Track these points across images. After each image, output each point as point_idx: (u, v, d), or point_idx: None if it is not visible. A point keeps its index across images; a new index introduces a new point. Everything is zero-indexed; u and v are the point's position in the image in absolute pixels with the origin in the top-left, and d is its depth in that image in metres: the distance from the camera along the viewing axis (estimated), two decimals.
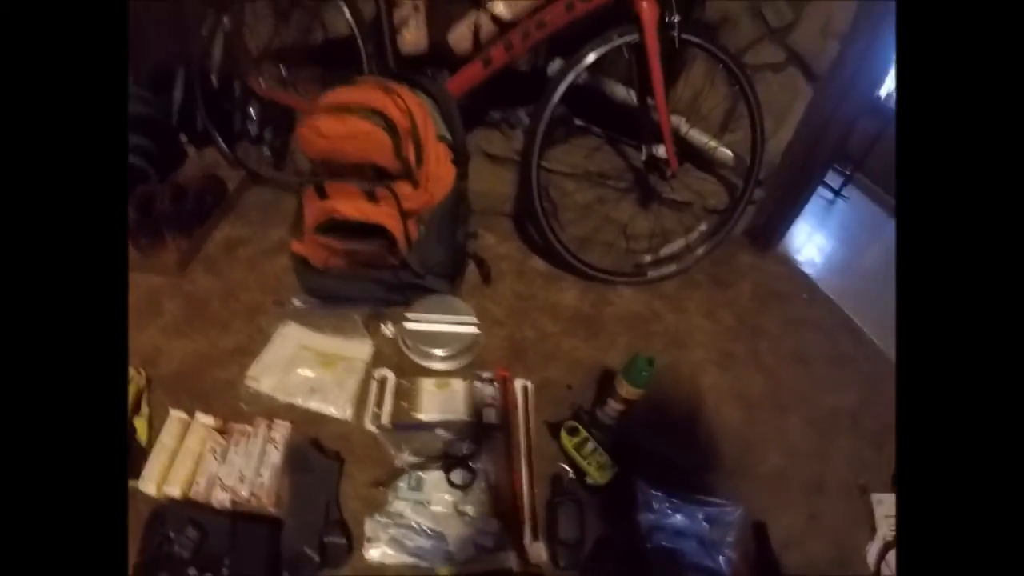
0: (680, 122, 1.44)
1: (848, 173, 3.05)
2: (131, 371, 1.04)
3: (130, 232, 1.28)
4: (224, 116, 1.62)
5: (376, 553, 0.85)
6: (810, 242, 2.23)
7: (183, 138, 1.65)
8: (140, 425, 0.98)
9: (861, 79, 1.36)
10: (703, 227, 1.50)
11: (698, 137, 1.46)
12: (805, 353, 1.34)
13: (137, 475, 0.91)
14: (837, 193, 3.03)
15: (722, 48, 1.29)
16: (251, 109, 1.51)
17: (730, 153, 1.46)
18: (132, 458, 0.93)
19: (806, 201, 1.65)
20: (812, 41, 1.34)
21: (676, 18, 1.15)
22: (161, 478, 0.90)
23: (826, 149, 1.50)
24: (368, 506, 0.91)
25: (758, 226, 1.68)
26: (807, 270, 1.77)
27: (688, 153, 1.49)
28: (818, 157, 1.52)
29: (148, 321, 1.18)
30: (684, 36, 1.18)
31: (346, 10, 1.31)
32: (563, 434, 1.00)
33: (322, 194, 1.06)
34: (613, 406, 1.02)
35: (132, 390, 1.00)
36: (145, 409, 1.01)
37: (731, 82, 1.32)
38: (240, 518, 0.87)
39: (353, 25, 1.31)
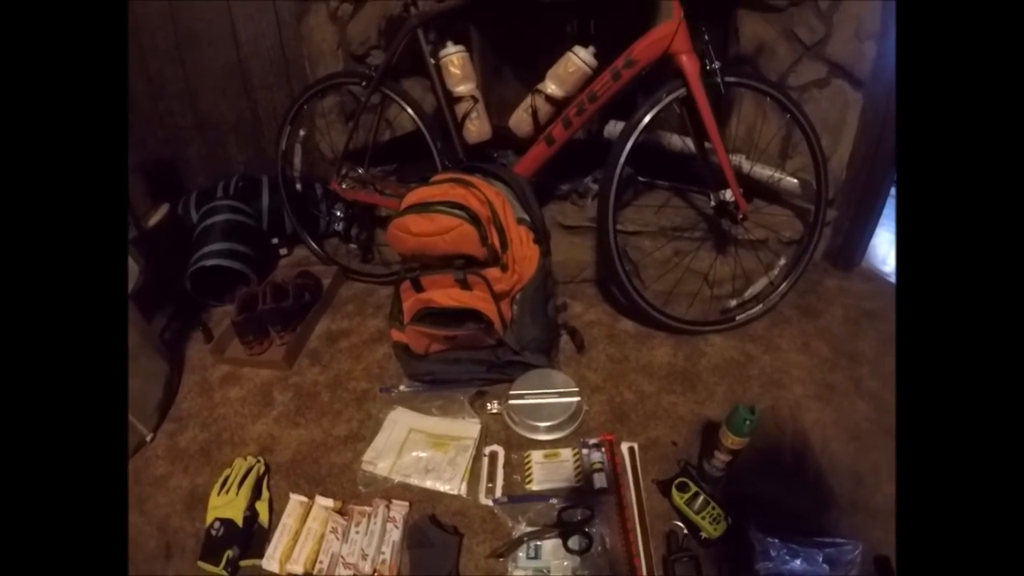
0: (741, 160, 1.45)
1: None
2: (250, 458, 1.13)
3: (237, 331, 1.42)
4: (310, 217, 1.78)
5: None
6: (893, 249, 2.11)
7: (274, 240, 1.82)
8: (261, 508, 1.06)
9: None
10: (783, 261, 1.48)
11: (761, 171, 1.46)
12: None
13: (260, 555, 0.98)
14: None
15: (765, 81, 1.30)
16: (337, 211, 1.65)
17: (795, 181, 1.46)
18: (256, 540, 1.01)
19: (881, 210, 1.61)
20: (849, 48, 1.35)
21: (716, 64, 1.19)
22: (285, 557, 0.97)
23: (888, 150, 1.47)
24: None
25: (837, 247, 1.65)
26: (894, 280, 1.70)
27: (754, 189, 1.50)
28: (883, 161, 1.49)
29: (262, 412, 1.28)
30: (727, 78, 1.21)
31: (409, 109, 1.44)
32: (673, 491, 1.01)
33: (418, 287, 1.15)
34: (720, 458, 1.02)
35: (252, 476, 1.09)
36: (265, 493, 1.09)
37: (781, 110, 1.33)
38: None
39: (419, 122, 1.43)
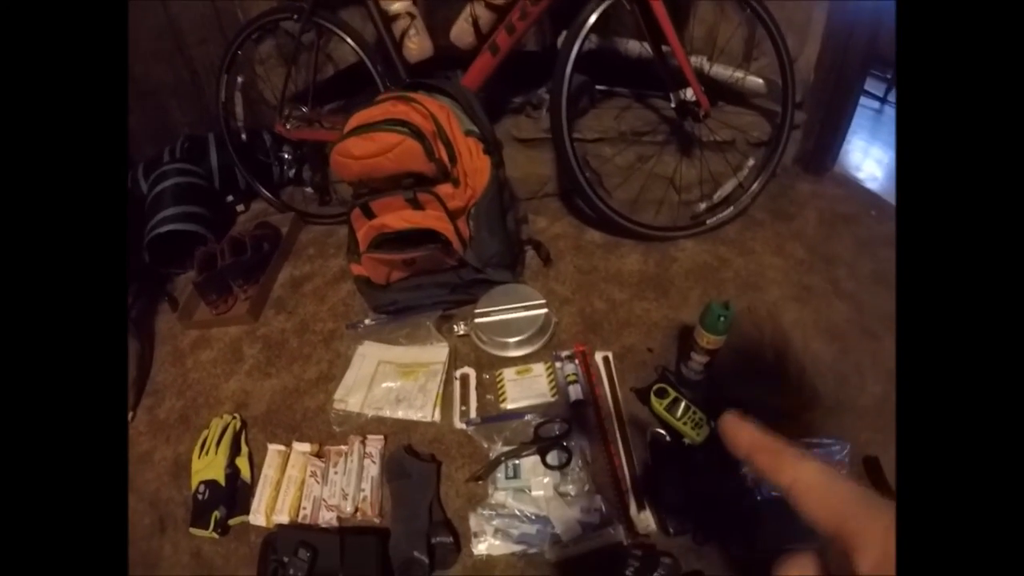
0: (701, 61, 1.38)
1: (889, 76, 2.84)
2: (226, 416, 1.11)
3: (200, 291, 1.38)
4: (262, 167, 1.71)
5: (483, 547, 0.85)
6: (867, 157, 2.09)
7: (229, 198, 1.75)
8: (242, 464, 1.05)
9: None
10: (751, 162, 1.43)
11: (723, 72, 1.40)
12: (884, 272, 1.26)
13: (247, 510, 0.97)
14: (883, 99, 2.83)
15: None
16: (284, 154, 1.58)
17: (760, 80, 1.40)
18: (240, 496, 1.00)
19: (851, 115, 1.55)
20: None
21: None
22: (269, 509, 0.96)
23: (857, 55, 1.41)
24: (470, 501, 0.92)
25: (808, 151, 1.60)
26: (869, 186, 1.68)
27: (718, 91, 1.43)
28: (852, 65, 1.43)
29: (233, 369, 1.25)
30: None
31: (348, 39, 1.36)
32: (652, 398, 0.98)
33: (369, 213, 1.09)
34: (697, 360, 0.99)
35: (229, 433, 1.07)
36: (245, 448, 1.07)
37: (742, 8, 1.26)
38: (348, 533, 0.90)
39: (358, 50, 1.36)
